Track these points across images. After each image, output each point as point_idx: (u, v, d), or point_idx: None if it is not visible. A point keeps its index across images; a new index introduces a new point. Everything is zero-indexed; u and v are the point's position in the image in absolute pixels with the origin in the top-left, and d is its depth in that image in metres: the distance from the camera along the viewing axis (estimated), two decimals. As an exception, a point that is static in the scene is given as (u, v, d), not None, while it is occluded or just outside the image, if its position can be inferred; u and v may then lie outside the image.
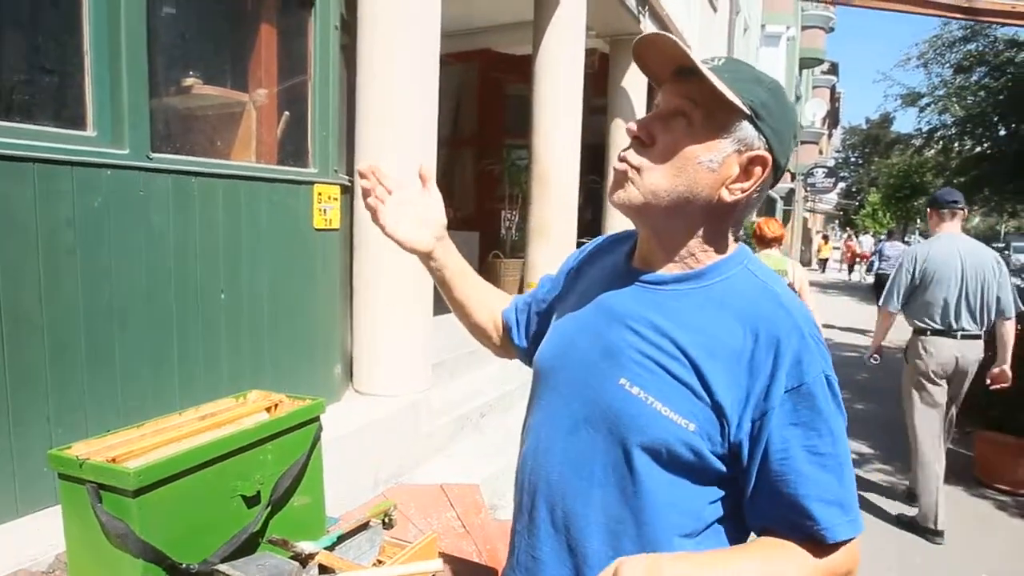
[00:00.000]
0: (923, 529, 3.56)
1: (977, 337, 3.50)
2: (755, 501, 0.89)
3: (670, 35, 0.89)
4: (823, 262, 26.50)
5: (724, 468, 0.88)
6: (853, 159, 47.39)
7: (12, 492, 2.05)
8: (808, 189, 20.15)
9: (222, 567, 1.26)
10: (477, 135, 8.72)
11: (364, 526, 1.72)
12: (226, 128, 2.96)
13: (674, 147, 0.89)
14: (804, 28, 21.96)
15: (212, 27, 2.89)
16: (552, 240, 5.52)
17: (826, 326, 10.73)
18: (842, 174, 43.31)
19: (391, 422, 3.31)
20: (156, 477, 1.27)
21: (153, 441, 1.43)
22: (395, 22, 3.35)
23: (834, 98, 36.53)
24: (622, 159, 0.93)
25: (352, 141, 3.48)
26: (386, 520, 1.80)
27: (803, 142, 22.55)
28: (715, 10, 11.76)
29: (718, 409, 0.86)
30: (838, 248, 30.31)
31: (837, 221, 50.84)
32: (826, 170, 19.52)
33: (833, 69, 35.07)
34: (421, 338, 3.65)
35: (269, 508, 1.52)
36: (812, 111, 21.30)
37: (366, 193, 1.15)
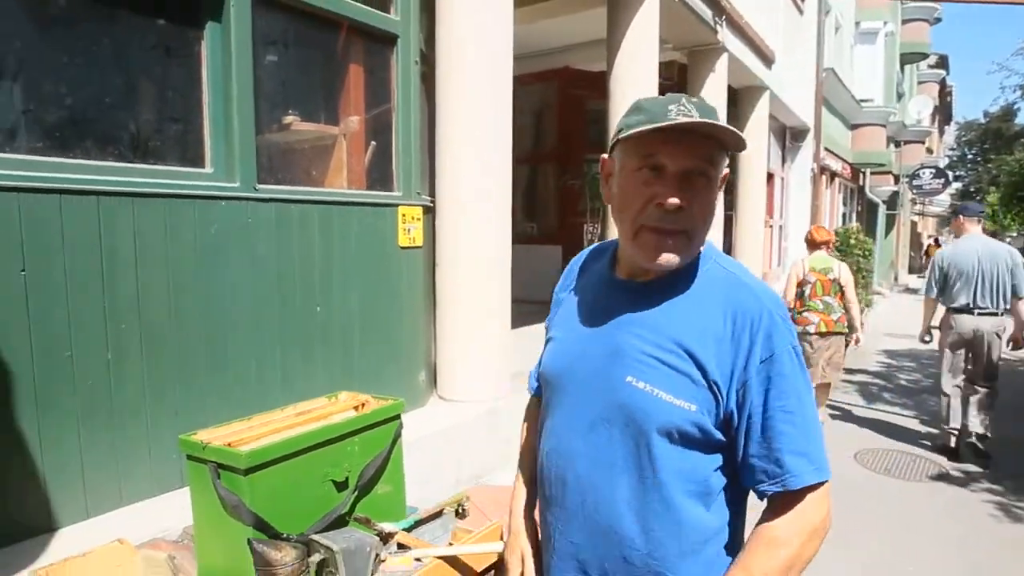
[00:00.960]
0: (942, 449, 4.81)
1: (993, 314, 4.53)
2: (745, 460, 1.03)
3: (714, 122, 0.97)
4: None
5: (722, 437, 1.04)
6: (970, 156, 43.94)
7: (147, 476, 2.40)
8: (915, 191, 18.86)
9: (316, 536, 1.47)
10: (558, 151, 8.90)
11: (439, 514, 1.91)
12: (320, 159, 3.30)
13: (708, 204, 1.04)
14: (905, 22, 20.70)
15: (307, 70, 3.24)
16: (630, 252, 5.59)
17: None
18: (957, 173, 40.21)
19: (472, 426, 3.51)
20: (263, 459, 1.51)
21: (260, 431, 1.68)
22: (470, 52, 3.59)
23: (944, 93, 34.06)
24: (671, 231, 1.02)
25: (433, 165, 3.75)
26: (459, 510, 1.98)
27: (907, 142, 21.14)
28: (801, 12, 11.40)
29: (713, 387, 1.02)
30: None
31: (953, 224, 47.03)
32: (934, 170, 18.21)
33: (942, 62, 32.78)
34: (500, 349, 3.84)
35: (356, 493, 1.74)
36: (916, 109, 19.91)
37: None
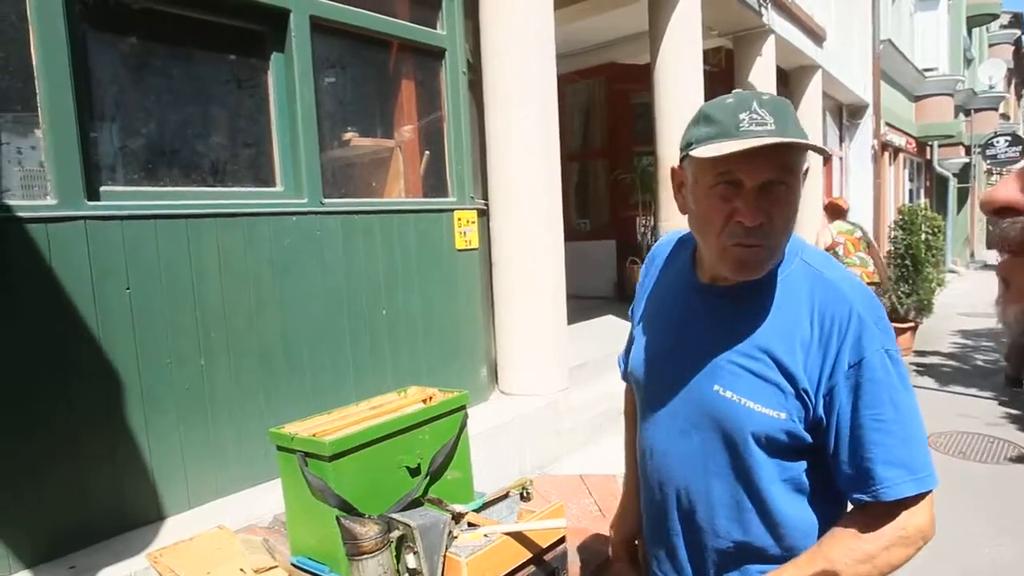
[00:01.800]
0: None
1: None
2: (837, 467, 1.00)
3: (791, 140, 0.93)
4: None
5: (812, 441, 1.01)
6: (1052, 120, 41.04)
7: (239, 469, 2.64)
8: (989, 162, 17.82)
9: (395, 515, 1.63)
10: (608, 146, 8.91)
11: (505, 496, 2.04)
12: (379, 171, 3.50)
13: (790, 211, 0.99)
14: (971, -17, 19.65)
15: (363, 88, 3.44)
16: (683, 242, 5.60)
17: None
18: (1038, 139, 37.69)
19: (533, 419, 3.64)
20: (345, 447, 1.68)
21: (340, 423, 1.85)
22: (514, 57, 3.71)
23: (1020, 54, 31.97)
24: (752, 245, 0.97)
25: (485, 168, 3.90)
26: (524, 493, 2.10)
27: (977, 110, 20.01)
28: (854, -16, 11.02)
29: (802, 395, 0.99)
30: None
31: (1036, 193, 44.01)
32: (1010, 137, 17.15)
33: (1016, 21, 30.81)
34: (557, 344, 3.96)
35: (428, 478, 1.89)
36: (987, 74, 18.77)
37: None
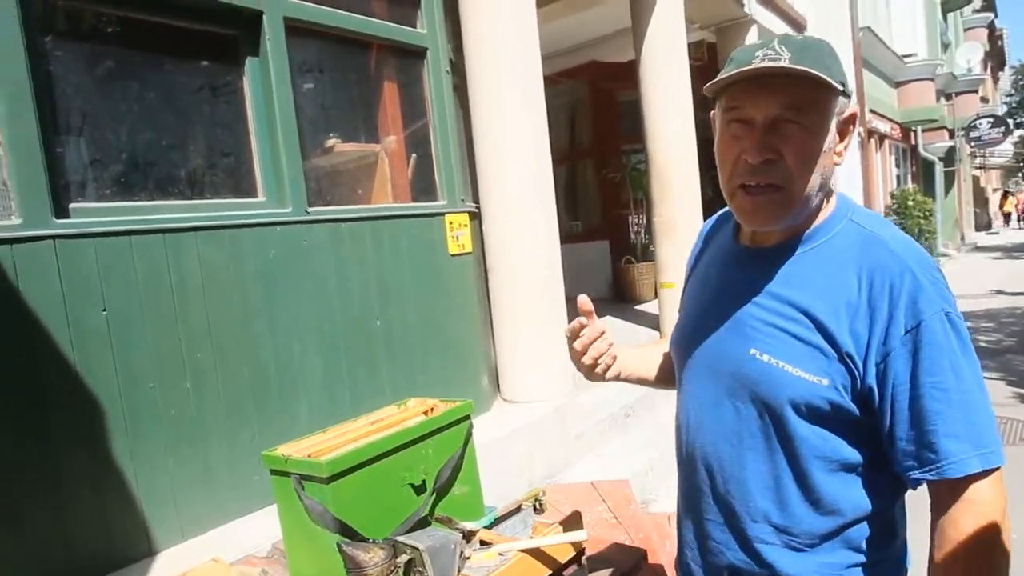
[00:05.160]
0: None
1: None
2: (893, 443, 0.92)
3: (790, 67, 0.87)
4: (1007, 216, 23.49)
5: (860, 413, 0.93)
6: (1031, 99, 41.46)
7: (233, 497, 2.50)
8: (973, 144, 17.93)
9: (401, 538, 1.51)
10: (595, 146, 8.85)
11: (517, 510, 1.92)
12: (365, 176, 3.38)
13: (803, 153, 0.91)
14: (944, -31, 19.83)
15: (343, 92, 3.33)
16: (679, 238, 5.51)
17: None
18: (1019, 120, 38.09)
19: (538, 426, 3.52)
20: (343, 467, 1.55)
21: (337, 441, 1.73)
22: (497, 55, 3.62)
23: (994, 37, 32.35)
24: (757, 185, 0.93)
25: (474, 171, 3.79)
26: (537, 505, 1.99)
27: (959, 93, 20.14)
28: (832, -27, 11.06)
29: (846, 361, 0.91)
30: None
31: (1022, 173, 44.60)
32: (992, 119, 17.28)
33: (988, 5, 31.18)
34: (558, 348, 3.84)
35: (434, 495, 1.76)
36: (965, 57, 18.93)
37: (581, 342, 1.14)
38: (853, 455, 0.95)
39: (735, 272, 1.06)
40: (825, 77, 0.87)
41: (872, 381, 0.91)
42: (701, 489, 1.08)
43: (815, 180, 0.93)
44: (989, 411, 0.89)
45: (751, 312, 1.00)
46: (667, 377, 1.34)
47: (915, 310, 0.88)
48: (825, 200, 1.00)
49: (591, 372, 1.18)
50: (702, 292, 1.15)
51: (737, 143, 0.94)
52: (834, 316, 0.91)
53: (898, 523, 1.02)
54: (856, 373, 0.91)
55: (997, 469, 0.87)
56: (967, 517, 0.87)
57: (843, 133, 0.96)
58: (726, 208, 1.13)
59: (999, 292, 9.97)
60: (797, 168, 0.91)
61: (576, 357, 1.16)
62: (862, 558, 0.98)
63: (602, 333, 1.14)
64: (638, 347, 1.42)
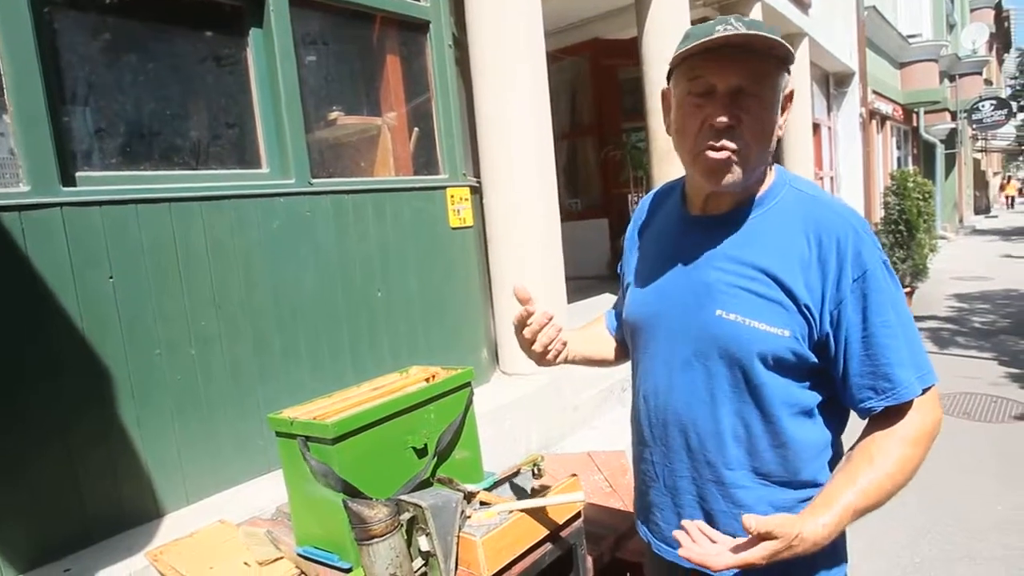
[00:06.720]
0: None
1: None
2: (847, 381, 1.03)
3: (753, 32, 0.94)
4: (1010, 200, 23.43)
5: (817, 360, 1.04)
6: (1036, 82, 41.11)
7: (238, 461, 2.56)
8: (975, 127, 17.83)
9: (404, 497, 1.56)
10: (596, 123, 8.81)
11: (516, 474, 1.98)
12: (368, 149, 3.39)
13: (762, 124, 1.00)
14: (951, -52, 19.55)
15: (347, 65, 3.32)
16: (678, 215, 5.54)
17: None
18: (1022, 102, 37.83)
19: (536, 398, 3.57)
20: (348, 428, 1.60)
21: (341, 406, 1.78)
22: (501, 31, 3.61)
23: (1000, 18, 32.00)
24: (722, 147, 1.00)
25: (476, 145, 3.80)
26: (535, 470, 2.04)
27: (962, 75, 19.97)
28: (838, -50, 10.92)
29: (804, 311, 1.01)
30: None
31: (1023, 157, 44.37)
32: (994, 102, 17.17)
33: (995, -14, 30.79)
34: (558, 318, 3.88)
35: (435, 459, 1.82)
36: (970, 39, 18.73)
37: (530, 329, 1.18)
38: (811, 397, 1.06)
39: (690, 240, 1.13)
40: (786, 45, 0.96)
41: (828, 327, 1.01)
42: (674, 449, 1.15)
43: (766, 148, 1.02)
44: (919, 339, 1.04)
45: (712, 275, 1.07)
46: (619, 354, 1.44)
47: (860, 261, 0.99)
48: (768, 169, 1.10)
49: (542, 359, 1.23)
50: (656, 262, 1.19)
51: (700, 111, 1.00)
52: (790, 272, 1.01)
53: (842, 453, 1.13)
54: (813, 322, 1.01)
55: (933, 386, 1.02)
56: (907, 427, 1.00)
57: (784, 108, 1.04)
58: (662, 185, 1.26)
59: (1007, 256, 9.99)
60: (753, 136, 1.00)
61: (526, 345, 1.21)
62: (820, 487, 1.06)
63: (550, 319, 1.19)
64: (581, 328, 1.49)
